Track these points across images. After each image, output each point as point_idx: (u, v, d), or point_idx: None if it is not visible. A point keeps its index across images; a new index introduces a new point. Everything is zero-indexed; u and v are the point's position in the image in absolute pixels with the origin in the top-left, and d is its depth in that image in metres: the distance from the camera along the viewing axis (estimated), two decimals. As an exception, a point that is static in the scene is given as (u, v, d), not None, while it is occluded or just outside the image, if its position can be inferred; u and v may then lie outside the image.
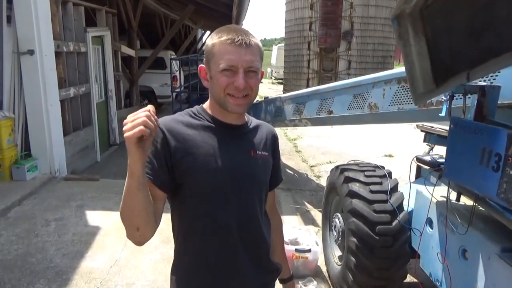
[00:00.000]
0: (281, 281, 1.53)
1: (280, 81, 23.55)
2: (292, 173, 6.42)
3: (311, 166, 6.84)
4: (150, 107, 0.99)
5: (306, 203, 5.02)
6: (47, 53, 5.07)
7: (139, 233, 1.07)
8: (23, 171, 5.00)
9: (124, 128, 0.96)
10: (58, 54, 5.51)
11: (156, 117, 0.99)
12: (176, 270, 1.27)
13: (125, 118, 0.97)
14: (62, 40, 5.77)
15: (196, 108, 1.26)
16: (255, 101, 7.04)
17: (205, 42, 1.16)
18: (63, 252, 3.46)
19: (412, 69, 1.96)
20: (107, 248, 3.58)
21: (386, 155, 7.60)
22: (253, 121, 1.34)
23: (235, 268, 1.23)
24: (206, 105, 1.27)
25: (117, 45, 8.46)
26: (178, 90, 10.23)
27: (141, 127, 0.94)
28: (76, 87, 6.29)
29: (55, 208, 4.38)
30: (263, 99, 6.18)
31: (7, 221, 4.02)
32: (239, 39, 1.12)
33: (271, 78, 28.04)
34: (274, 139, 1.37)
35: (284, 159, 7.27)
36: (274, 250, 1.42)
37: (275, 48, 27.30)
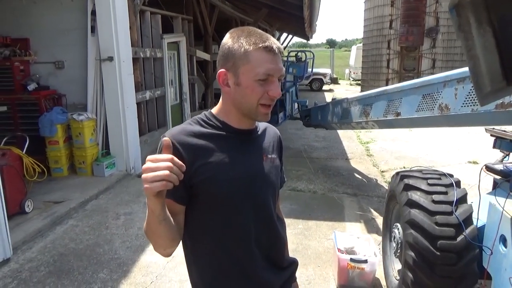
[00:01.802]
0: None
1: (358, 82, 22.78)
2: (360, 177, 6.12)
3: (382, 171, 6.45)
4: (171, 156, 0.93)
5: (372, 210, 4.74)
6: (124, 59, 5.47)
7: (166, 252, 1.12)
8: (102, 168, 5.46)
9: (144, 176, 0.90)
10: (135, 60, 5.93)
11: (180, 163, 0.94)
12: (194, 279, 1.24)
13: None
14: (139, 46, 6.20)
15: (205, 115, 1.21)
16: (322, 103, 6.80)
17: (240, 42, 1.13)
18: (127, 245, 3.69)
19: (476, 65, 1.71)
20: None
21: (470, 162, 6.88)
22: (260, 125, 1.28)
23: (255, 273, 1.20)
24: (216, 110, 1.21)
25: (192, 50, 8.85)
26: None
27: (163, 182, 0.90)
28: (152, 90, 6.72)
29: (126, 203, 4.70)
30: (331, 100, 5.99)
31: (84, 213, 4.41)
32: (272, 46, 1.08)
33: (349, 79, 27.21)
34: (280, 141, 1.35)
35: (353, 163, 6.96)
36: None
37: (353, 48, 26.42)
